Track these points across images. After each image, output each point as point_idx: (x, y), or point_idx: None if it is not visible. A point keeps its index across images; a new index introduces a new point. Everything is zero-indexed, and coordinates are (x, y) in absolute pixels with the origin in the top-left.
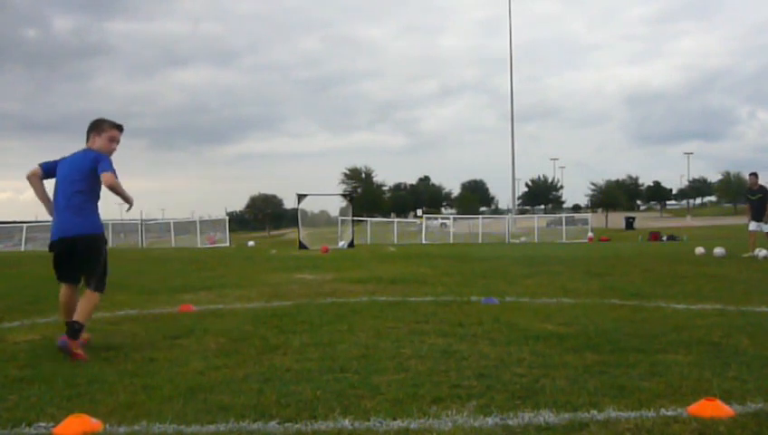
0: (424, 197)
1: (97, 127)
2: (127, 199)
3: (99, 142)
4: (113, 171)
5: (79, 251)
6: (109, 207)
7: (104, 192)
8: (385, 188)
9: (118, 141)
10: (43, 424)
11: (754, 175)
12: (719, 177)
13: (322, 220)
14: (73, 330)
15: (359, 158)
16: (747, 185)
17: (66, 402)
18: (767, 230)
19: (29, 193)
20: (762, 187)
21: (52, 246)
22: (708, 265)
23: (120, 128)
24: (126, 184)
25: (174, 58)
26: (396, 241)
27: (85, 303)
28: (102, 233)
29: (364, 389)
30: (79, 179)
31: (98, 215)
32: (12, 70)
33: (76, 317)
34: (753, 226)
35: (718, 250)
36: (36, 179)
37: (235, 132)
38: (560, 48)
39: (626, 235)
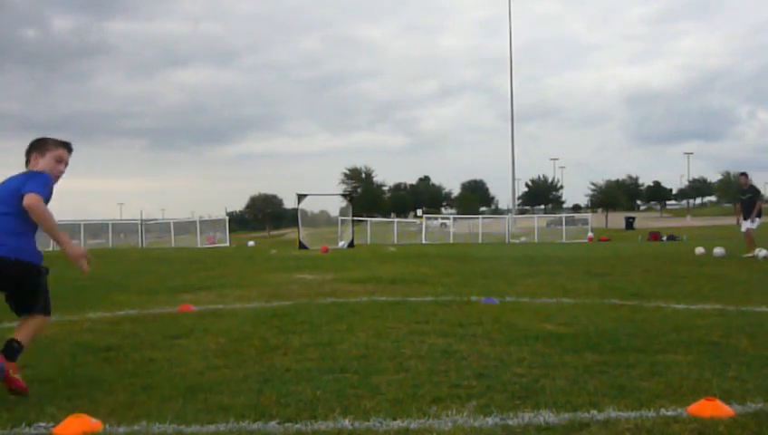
0: (424, 197)
1: (39, 146)
2: (61, 242)
3: (42, 164)
4: (42, 194)
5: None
6: (108, 207)
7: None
8: (385, 188)
9: (66, 163)
10: (42, 424)
11: (744, 175)
12: (719, 177)
13: (322, 220)
14: (12, 349)
15: (359, 158)
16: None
17: (66, 402)
18: (748, 227)
19: None
20: (752, 186)
21: None
22: (708, 265)
23: (67, 146)
24: (126, 184)
25: (174, 58)
26: (396, 241)
27: (32, 324)
28: (39, 264)
29: (364, 389)
30: (4, 201)
31: (34, 242)
32: (12, 70)
33: (19, 336)
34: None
35: (718, 250)
36: None
37: (235, 132)
38: (560, 48)
39: (626, 235)
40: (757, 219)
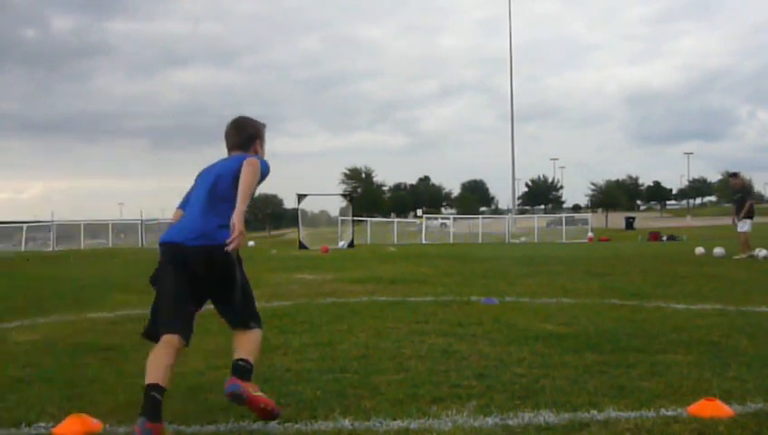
0: (424, 197)
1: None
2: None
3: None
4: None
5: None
6: (108, 207)
7: None
8: (385, 188)
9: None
10: (42, 424)
11: (734, 175)
12: (719, 177)
13: (322, 220)
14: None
15: (359, 158)
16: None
17: (66, 402)
18: (740, 230)
19: (29, 192)
20: (742, 186)
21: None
22: (708, 265)
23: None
24: (126, 184)
25: (174, 58)
26: (396, 241)
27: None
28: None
29: (364, 389)
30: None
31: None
32: (12, 70)
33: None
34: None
35: (718, 250)
36: None
37: None
38: (560, 48)
39: (626, 235)
40: (748, 220)
